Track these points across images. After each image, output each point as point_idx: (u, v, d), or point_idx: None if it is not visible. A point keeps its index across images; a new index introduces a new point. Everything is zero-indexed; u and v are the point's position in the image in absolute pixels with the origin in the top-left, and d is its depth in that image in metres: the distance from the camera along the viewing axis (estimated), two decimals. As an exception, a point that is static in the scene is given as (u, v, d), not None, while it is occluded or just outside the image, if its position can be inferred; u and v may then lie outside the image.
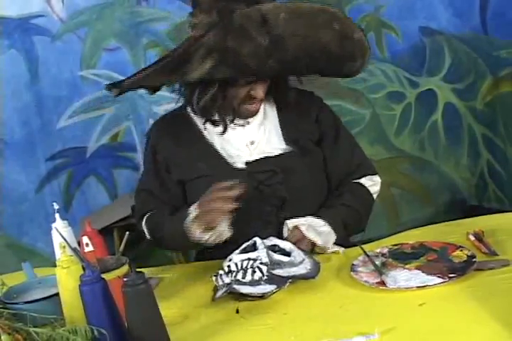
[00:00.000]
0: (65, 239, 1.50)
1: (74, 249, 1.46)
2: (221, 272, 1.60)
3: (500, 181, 3.99)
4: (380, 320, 1.37)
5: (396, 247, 1.76)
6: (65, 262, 1.47)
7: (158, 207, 1.98)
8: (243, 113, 1.95)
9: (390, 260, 1.68)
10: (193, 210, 1.78)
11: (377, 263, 1.66)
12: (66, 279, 1.47)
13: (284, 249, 1.67)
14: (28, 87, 3.40)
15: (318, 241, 1.83)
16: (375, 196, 2.07)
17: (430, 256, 1.65)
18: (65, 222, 1.71)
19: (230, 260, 1.62)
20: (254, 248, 1.64)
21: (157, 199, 2.00)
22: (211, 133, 1.99)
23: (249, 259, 1.58)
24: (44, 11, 3.40)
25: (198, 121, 2.01)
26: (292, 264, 1.61)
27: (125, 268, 1.55)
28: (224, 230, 1.78)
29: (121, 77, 3.45)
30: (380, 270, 1.60)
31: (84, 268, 1.41)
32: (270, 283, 1.55)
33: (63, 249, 1.49)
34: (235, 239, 1.76)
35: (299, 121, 2.01)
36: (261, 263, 1.56)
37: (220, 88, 1.86)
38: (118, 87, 1.89)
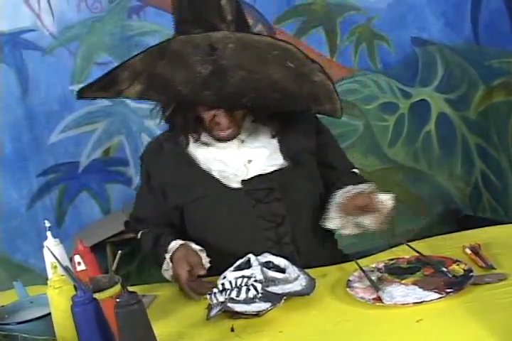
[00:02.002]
0: (57, 259, 1.48)
1: (66, 269, 1.43)
2: (215, 290, 1.58)
3: (494, 191, 3.99)
4: (377, 337, 1.35)
5: (392, 262, 1.74)
6: (56, 282, 1.45)
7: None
8: (217, 137, 1.92)
9: (386, 275, 1.66)
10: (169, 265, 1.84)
11: (373, 278, 1.64)
12: (58, 299, 1.44)
13: (278, 266, 1.65)
14: (19, 101, 3.39)
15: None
16: None
17: (427, 271, 1.64)
18: (57, 240, 1.68)
19: (224, 278, 1.60)
20: (248, 265, 1.62)
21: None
22: (203, 154, 1.96)
23: (243, 277, 1.56)
24: (34, 26, 3.40)
25: (191, 142, 1.97)
26: (287, 281, 1.59)
27: (118, 287, 1.52)
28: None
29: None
30: (376, 286, 1.58)
31: (76, 288, 1.39)
32: (265, 301, 1.52)
33: (55, 269, 1.47)
34: (236, 258, 1.70)
35: (298, 136, 1.97)
36: (255, 281, 1.54)
37: (190, 109, 1.86)
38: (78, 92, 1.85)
